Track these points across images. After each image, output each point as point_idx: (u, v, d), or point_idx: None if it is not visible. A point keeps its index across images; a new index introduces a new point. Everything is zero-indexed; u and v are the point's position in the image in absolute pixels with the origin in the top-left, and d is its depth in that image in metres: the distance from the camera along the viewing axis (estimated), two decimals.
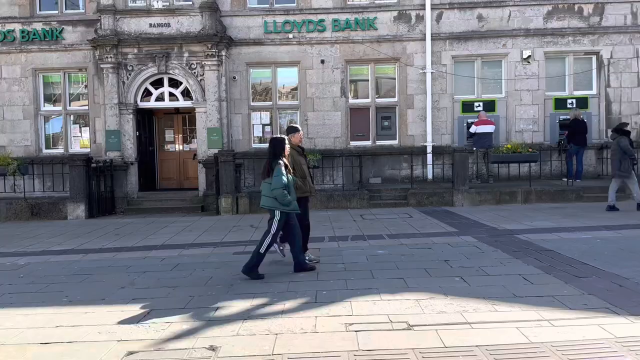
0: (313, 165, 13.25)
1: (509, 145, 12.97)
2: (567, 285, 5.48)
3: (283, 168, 6.24)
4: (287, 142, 6.57)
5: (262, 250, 6.27)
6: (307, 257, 6.75)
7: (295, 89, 14.53)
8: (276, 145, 6.45)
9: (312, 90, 14.24)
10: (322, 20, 14.11)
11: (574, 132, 13.19)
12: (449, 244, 7.97)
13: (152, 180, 15.24)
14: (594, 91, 14.24)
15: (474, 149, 13.41)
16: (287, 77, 14.63)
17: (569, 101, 14.27)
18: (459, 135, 14.30)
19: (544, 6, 13.98)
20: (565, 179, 13.20)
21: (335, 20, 14.12)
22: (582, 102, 14.18)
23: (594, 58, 14.16)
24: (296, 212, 6.46)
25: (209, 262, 7.32)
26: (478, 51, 14.20)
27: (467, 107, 14.37)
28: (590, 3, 13.83)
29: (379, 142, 14.40)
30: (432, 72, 14.06)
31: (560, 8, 13.95)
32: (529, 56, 13.99)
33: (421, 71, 14.09)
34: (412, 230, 9.17)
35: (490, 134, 13.26)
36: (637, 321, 4.34)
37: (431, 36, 14.02)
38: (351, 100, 14.52)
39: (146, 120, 15.03)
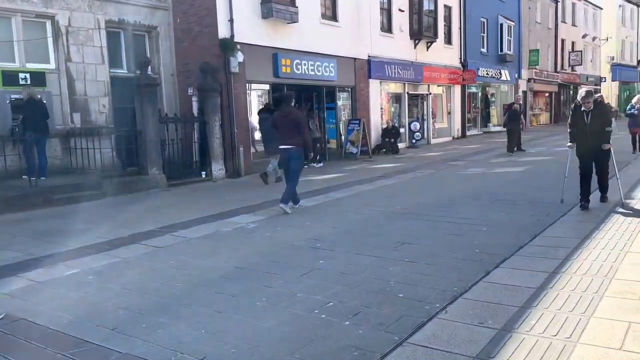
0: None
1: None
2: None
3: None
4: None
5: None
6: None
7: None
8: None
9: None
10: None
11: (30, 116, 10.17)
12: None
13: None
14: (53, 65, 11.50)
15: None
16: None
17: (22, 76, 11.01)
18: None
19: None
20: (27, 177, 10.04)
21: None
22: (40, 78, 11.22)
23: (49, 23, 11.36)
24: None
25: None
26: None
27: None
28: None
29: None
30: None
31: None
32: None
33: None
34: None
35: None
36: None
37: None
38: None
39: None
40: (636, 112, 14.34)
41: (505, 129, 16.91)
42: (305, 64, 15.17)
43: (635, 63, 47.93)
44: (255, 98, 14.63)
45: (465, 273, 4.91)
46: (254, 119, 13.79)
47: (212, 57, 12.81)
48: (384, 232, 6.69)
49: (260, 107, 13.75)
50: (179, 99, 13.59)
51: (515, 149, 16.54)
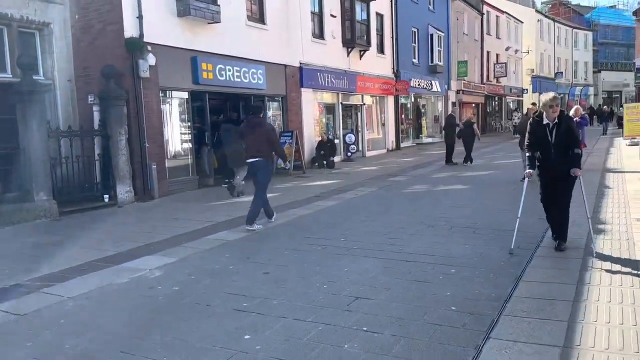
0: None
1: None
2: None
3: None
4: None
5: None
6: None
7: None
8: None
9: None
10: None
11: None
12: None
13: None
14: None
15: None
16: None
17: None
18: None
19: None
20: None
21: None
22: None
23: None
24: None
25: None
26: None
27: None
28: None
29: None
30: None
31: None
32: None
33: None
34: None
35: None
36: None
37: None
38: None
39: None
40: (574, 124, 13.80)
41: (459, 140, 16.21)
42: (230, 70, 13.51)
43: (552, 75, 50.05)
44: (176, 107, 12.71)
45: (449, 350, 3.55)
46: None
47: (118, 59, 10.85)
48: (330, 279, 5.22)
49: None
50: (78, 108, 11.46)
51: (467, 160, 15.89)
